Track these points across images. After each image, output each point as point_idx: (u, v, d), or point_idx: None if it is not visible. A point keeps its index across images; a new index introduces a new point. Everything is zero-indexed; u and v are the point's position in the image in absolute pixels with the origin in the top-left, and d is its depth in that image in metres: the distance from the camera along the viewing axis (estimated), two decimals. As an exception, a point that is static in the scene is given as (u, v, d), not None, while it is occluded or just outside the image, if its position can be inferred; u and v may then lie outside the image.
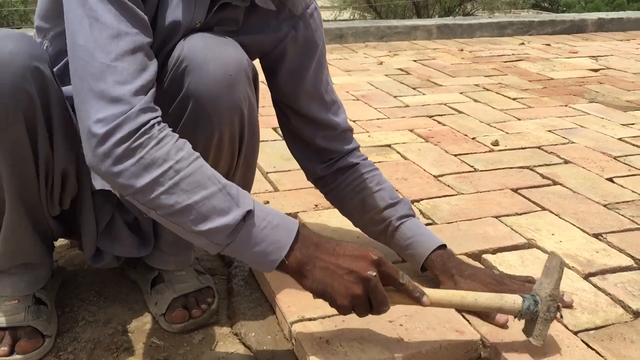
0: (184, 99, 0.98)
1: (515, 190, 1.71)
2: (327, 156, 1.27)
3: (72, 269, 1.34)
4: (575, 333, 1.09)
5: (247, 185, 1.16)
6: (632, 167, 1.90)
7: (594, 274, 1.28)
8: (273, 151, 1.99)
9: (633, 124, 2.35)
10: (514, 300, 0.99)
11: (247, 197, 0.89)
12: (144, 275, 1.23)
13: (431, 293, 0.97)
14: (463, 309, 1.09)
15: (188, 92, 0.97)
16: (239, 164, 1.10)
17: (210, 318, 1.18)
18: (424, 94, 2.77)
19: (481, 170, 1.86)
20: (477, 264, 1.32)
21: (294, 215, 1.55)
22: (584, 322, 1.12)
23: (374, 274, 0.89)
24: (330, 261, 0.89)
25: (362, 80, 3.00)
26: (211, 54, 0.97)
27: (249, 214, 0.87)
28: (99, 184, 1.08)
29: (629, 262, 1.33)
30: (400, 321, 1.11)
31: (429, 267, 1.20)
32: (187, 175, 0.85)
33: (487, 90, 2.85)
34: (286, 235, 0.88)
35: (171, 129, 0.90)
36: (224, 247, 0.87)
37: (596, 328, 1.10)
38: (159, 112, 0.89)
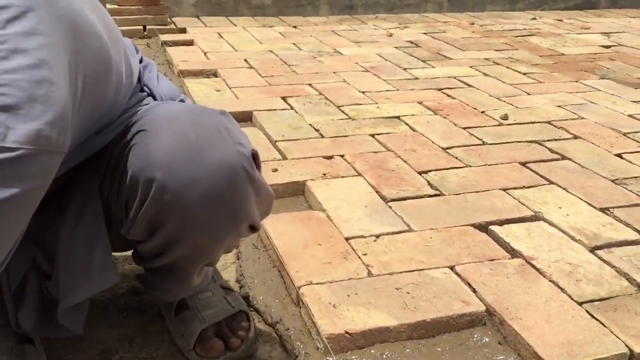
0: (170, 237, 0.82)
1: (523, 164, 1.71)
2: None
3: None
4: (580, 304, 1.10)
5: None
6: (641, 143, 1.90)
7: (600, 247, 1.29)
8: (282, 120, 1.99)
9: (644, 101, 2.33)
10: None
11: None
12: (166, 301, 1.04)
13: None
14: None
15: (174, 231, 0.81)
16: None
17: (250, 348, 1.00)
18: (433, 67, 2.75)
19: (490, 144, 1.86)
20: (483, 234, 1.33)
21: (302, 184, 1.56)
22: (589, 294, 1.13)
23: None
24: None
25: (372, 52, 2.98)
26: (187, 173, 0.77)
27: None
28: None
29: (635, 236, 1.34)
30: (407, 289, 1.12)
31: None
32: None
33: (497, 64, 2.83)
34: None
35: None
36: None
37: (601, 299, 1.11)
38: None
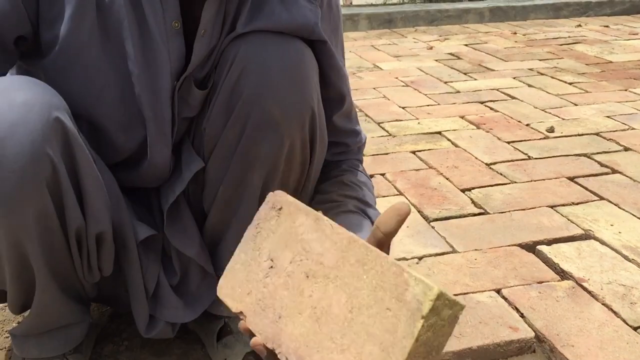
0: (244, 106, 0.85)
1: (571, 179, 1.65)
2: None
3: (109, 321, 1.13)
4: (636, 329, 1.04)
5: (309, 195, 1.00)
6: (697, 154, 1.81)
7: (656, 267, 1.23)
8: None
9: (699, 108, 2.23)
10: None
11: None
12: (206, 326, 1.05)
13: None
14: None
15: (249, 97, 0.84)
16: (309, 174, 0.94)
17: None
18: (475, 79, 2.70)
19: (535, 158, 1.80)
20: (530, 255, 1.28)
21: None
22: (645, 318, 1.07)
23: None
24: None
25: (412, 66, 2.95)
26: (271, 48, 0.83)
27: None
28: (144, 230, 0.92)
29: (694, 255, 1.27)
30: (451, 313, 1.08)
31: None
32: None
33: (542, 74, 2.76)
34: None
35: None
36: None
37: (658, 324, 1.06)
38: None
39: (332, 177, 1.00)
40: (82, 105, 0.83)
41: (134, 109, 0.84)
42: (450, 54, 3.22)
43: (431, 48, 3.36)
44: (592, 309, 1.10)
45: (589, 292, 1.15)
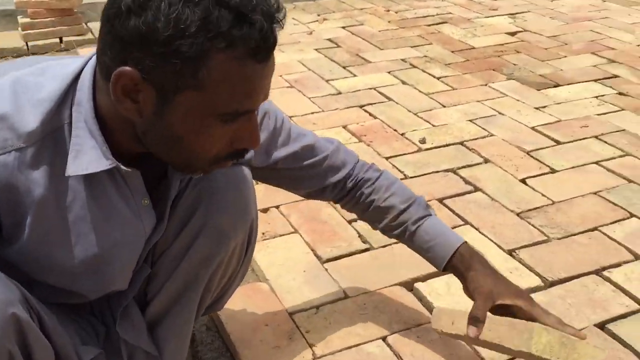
0: (197, 222, 1.05)
1: (441, 201, 1.89)
2: (329, 191, 1.28)
3: None
4: (492, 366, 1.30)
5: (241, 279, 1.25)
6: (542, 163, 2.11)
7: (507, 299, 1.50)
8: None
9: (545, 106, 2.55)
10: None
11: None
12: None
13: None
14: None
15: (203, 214, 1.05)
16: (244, 263, 1.19)
17: None
18: (354, 75, 2.87)
19: (410, 177, 2.03)
20: (409, 294, 1.51)
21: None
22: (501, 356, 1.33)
23: None
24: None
25: (294, 59, 3.06)
26: (221, 174, 1.04)
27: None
28: (89, 352, 1.03)
29: (537, 281, 1.56)
30: (347, 367, 1.29)
31: (454, 268, 1.24)
32: None
33: (414, 67, 2.97)
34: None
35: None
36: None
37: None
38: None
39: (366, 203, 1.26)
40: (43, 277, 0.93)
41: (97, 278, 0.96)
42: (330, 40, 3.35)
43: (311, 33, 3.47)
44: (460, 349, 1.34)
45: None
